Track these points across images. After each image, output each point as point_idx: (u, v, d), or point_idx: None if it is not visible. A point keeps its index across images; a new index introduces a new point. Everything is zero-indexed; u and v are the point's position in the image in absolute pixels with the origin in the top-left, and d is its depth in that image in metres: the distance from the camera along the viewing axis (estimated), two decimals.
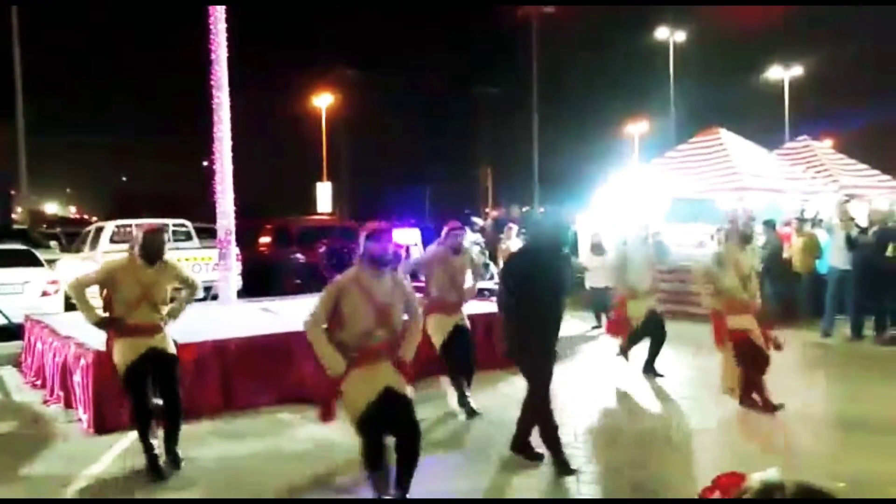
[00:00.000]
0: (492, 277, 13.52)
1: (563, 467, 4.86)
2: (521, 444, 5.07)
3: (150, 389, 5.00)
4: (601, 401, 6.85)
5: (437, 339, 6.30)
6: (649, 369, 7.79)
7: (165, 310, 5.13)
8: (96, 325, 5.02)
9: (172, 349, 5.18)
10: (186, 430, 5.50)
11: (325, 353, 4.06)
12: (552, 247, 5.05)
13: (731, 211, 7.06)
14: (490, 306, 9.72)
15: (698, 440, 5.64)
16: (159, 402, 5.04)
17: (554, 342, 4.99)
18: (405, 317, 4.33)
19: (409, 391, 4.15)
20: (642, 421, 6.24)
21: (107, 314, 5.03)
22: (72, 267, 13.19)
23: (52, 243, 17.98)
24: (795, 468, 4.91)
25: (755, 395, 6.14)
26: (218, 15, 10.27)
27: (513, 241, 13.01)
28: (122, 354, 4.94)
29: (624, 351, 7.95)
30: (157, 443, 4.98)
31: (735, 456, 5.20)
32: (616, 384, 7.47)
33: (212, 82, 10.38)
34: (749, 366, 6.09)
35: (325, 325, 4.12)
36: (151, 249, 5.01)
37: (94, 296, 5.08)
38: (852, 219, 10.59)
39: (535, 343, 4.89)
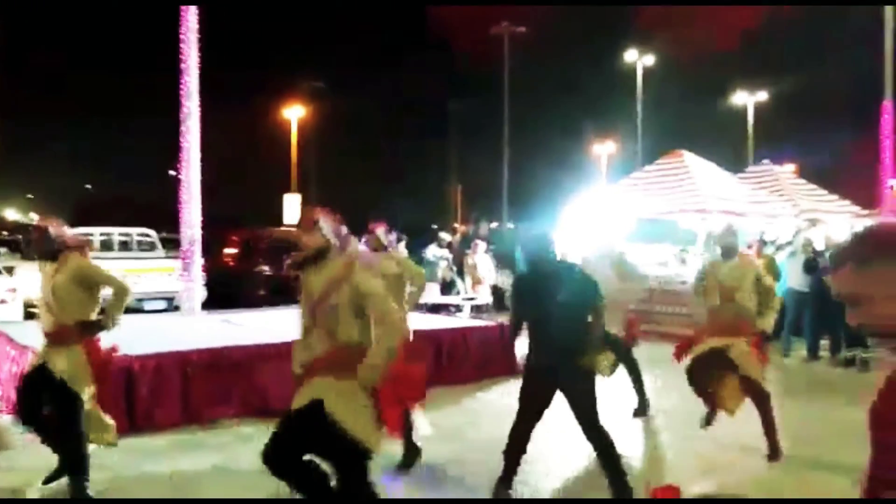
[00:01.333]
0: (458, 293, 13.59)
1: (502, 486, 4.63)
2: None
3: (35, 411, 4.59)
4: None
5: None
6: (643, 411, 7.14)
7: (70, 318, 4.52)
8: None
9: (66, 368, 4.45)
10: (145, 442, 5.44)
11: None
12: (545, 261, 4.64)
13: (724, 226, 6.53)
14: (456, 322, 9.78)
15: (667, 458, 5.71)
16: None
17: (548, 361, 4.52)
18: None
19: (346, 418, 3.30)
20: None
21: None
22: (31, 275, 12.94)
23: (2, 250, 17.57)
24: (743, 484, 5.01)
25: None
26: (190, 24, 10.25)
27: (480, 258, 13.11)
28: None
29: None
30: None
31: (675, 471, 5.28)
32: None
33: (181, 91, 10.33)
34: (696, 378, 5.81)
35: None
36: (36, 247, 4.64)
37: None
38: (811, 243, 10.87)
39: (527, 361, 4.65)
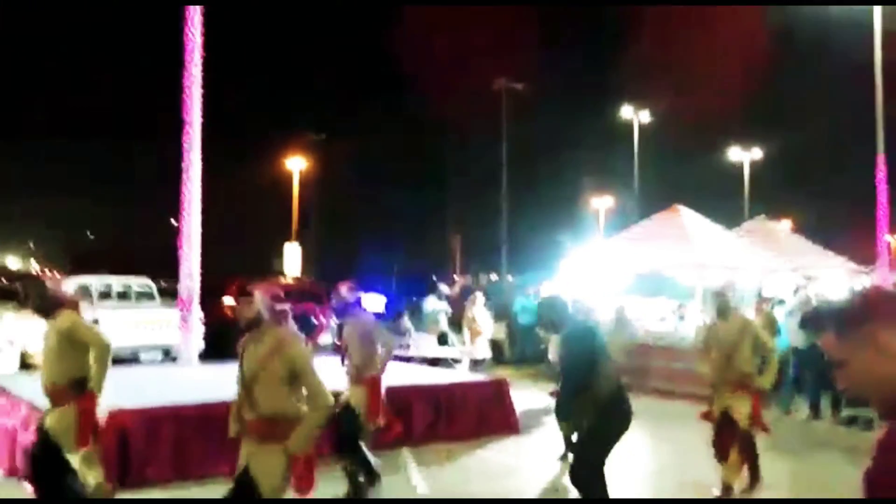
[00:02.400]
0: (453, 346, 13.52)
1: None
2: None
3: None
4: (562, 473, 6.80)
5: None
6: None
7: (65, 374, 4.51)
8: None
9: (52, 425, 4.47)
10: (137, 498, 5.35)
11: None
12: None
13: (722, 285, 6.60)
14: (454, 376, 9.71)
15: None
16: None
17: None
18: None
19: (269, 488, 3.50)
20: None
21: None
22: (29, 325, 12.88)
23: None
24: None
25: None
26: (193, 78, 10.43)
27: (478, 310, 13.07)
28: None
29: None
30: None
31: None
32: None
33: (184, 143, 10.46)
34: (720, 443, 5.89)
35: None
36: (37, 304, 4.71)
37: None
38: (810, 300, 10.86)
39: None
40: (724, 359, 5.71)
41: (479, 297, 13.71)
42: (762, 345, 5.67)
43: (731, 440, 5.73)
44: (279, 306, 3.78)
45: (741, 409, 5.61)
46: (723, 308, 5.87)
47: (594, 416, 4.84)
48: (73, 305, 4.71)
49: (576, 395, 4.97)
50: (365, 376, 5.69)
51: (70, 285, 13.51)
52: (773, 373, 5.70)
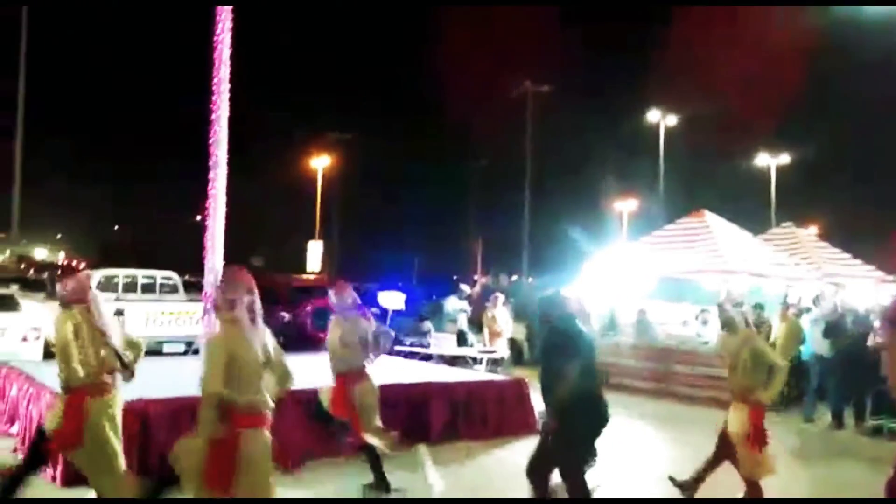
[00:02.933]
0: (471, 345, 13.52)
1: None
2: None
3: None
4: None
5: None
6: None
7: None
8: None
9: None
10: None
11: None
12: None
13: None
14: (473, 375, 9.71)
15: None
16: None
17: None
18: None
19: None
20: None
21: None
22: (53, 313, 13.08)
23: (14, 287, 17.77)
24: None
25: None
26: (221, 75, 10.51)
27: (498, 310, 13.06)
28: None
29: None
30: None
31: None
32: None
33: (210, 140, 10.55)
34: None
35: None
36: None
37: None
38: (836, 308, 10.70)
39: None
40: (730, 370, 5.74)
41: (500, 297, 13.69)
42: (763, 358, 5.60)
43: (728, 450, 5.72)
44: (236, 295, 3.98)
45: (734, 422, 5.64)
46: (726, 321, 5.86)
47: (557, 415, 4.92)
48: (80, 302, 4.76)
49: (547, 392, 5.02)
50: (336, 373, 5.93)
51: (96, 277, 13.76)
52: (775, 387, 5.59)
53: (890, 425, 9.33)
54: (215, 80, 10.50)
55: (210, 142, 10.51)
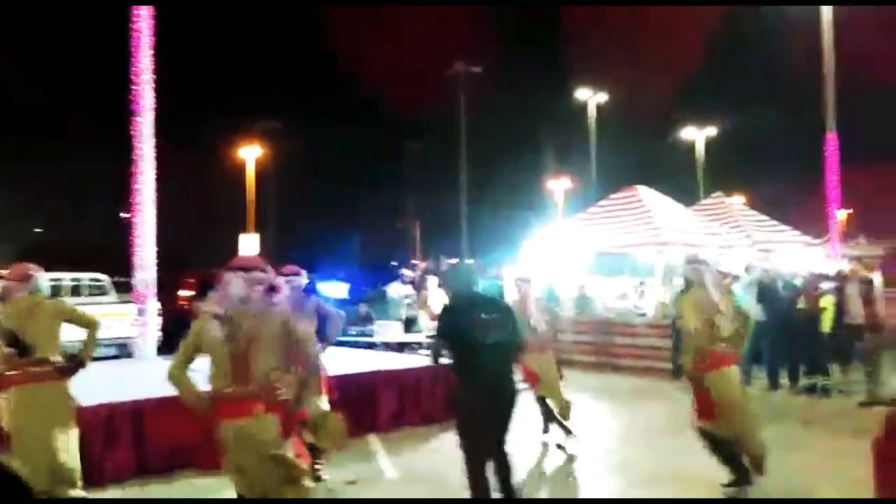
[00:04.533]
0: (419, 330, 13.46)
1: None
2: None
3: None
4: (546, 456, 6.81)
5: None
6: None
7: None
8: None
9: None
10: (95, 496, 5.19)
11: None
12: (473, 299, 4.93)
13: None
14: (421, 361, 9.66)
15: (632, 482, 5.65)
16: None
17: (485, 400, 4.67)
18: None
19: None
20: (574, 477, 6.23)
21: None
22: None
23: None
24: None
25: None
26: (143, 65, 10.13)
27: (432, 293, 13.03)
28: None
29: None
30: None
31: None
32: (548, 444, 7.46)
33: (134, 133, 10.16)
34: None
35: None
36: None
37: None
38: (769, 272, 11.04)
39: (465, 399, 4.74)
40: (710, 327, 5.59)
41: (432, 279, 13.68)
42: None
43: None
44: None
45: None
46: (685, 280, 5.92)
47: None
48: None
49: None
50: None
51: None
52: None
53: (822, 384, 9.72)
54: (136, 70, 10.12)
55: (134, 135, 10.14)
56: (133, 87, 10.11)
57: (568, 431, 7.08)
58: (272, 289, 4.05)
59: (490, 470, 4.67)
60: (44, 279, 4.88)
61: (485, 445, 4.68)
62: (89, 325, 4.95)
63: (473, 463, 4.62)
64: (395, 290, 14.24)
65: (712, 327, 5.50)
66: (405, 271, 15.19)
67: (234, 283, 3.87)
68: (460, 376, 4.77)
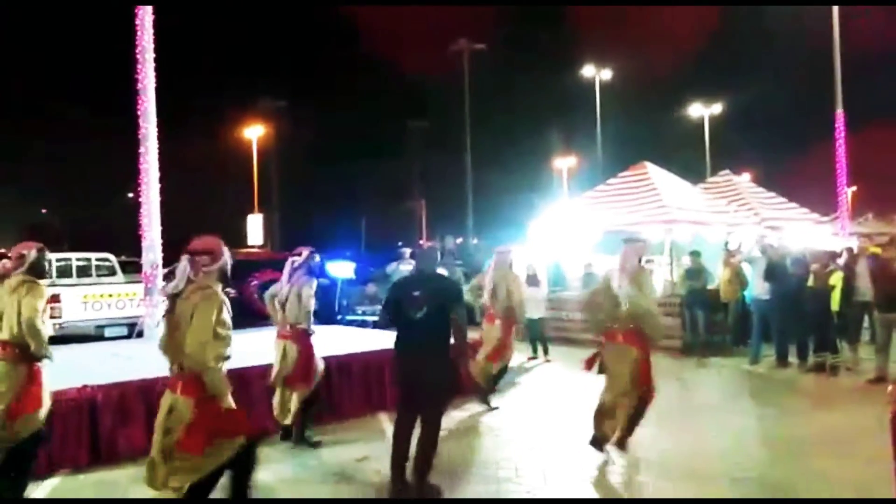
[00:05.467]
0: None
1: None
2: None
3: None
4: (539, 433, 6.81)
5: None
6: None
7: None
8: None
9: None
10: (109, 475, 5.22)
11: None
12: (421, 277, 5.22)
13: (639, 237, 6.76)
14: None
15: (645, 466, 5.65)
16: None
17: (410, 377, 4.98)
18: None
19: None
20: (581, 453, 6.23)
21: None
22: None
23: None
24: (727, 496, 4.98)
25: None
26: (145, 44, 10.04)
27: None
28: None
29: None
30: None
31: (673, 481, 5.25)
32: (554, 415, 7.46)
33: (138, 112, 10.11)
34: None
35: None
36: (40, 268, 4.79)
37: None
38: (776, 250, 10.95)
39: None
40: None
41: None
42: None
43: None
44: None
45: None
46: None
47: None
48: None
49: None
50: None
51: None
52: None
53: (832, 361, 9.68)
54: (139, 49, 10.04)
55: (138, 114, 10.08)
56: (136, 65, 10.03)
57: (487, 404, 7.68)
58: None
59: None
60: (35, 257, 4.73)
61: (405, 416, 4.98)
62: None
63: (394, 431, 4.99)
64: (391, 269, 14.22)
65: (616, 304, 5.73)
66: (406, 250, 15.13)
67: (180, 266, 3.95)
68: (394, 347, 5.12)
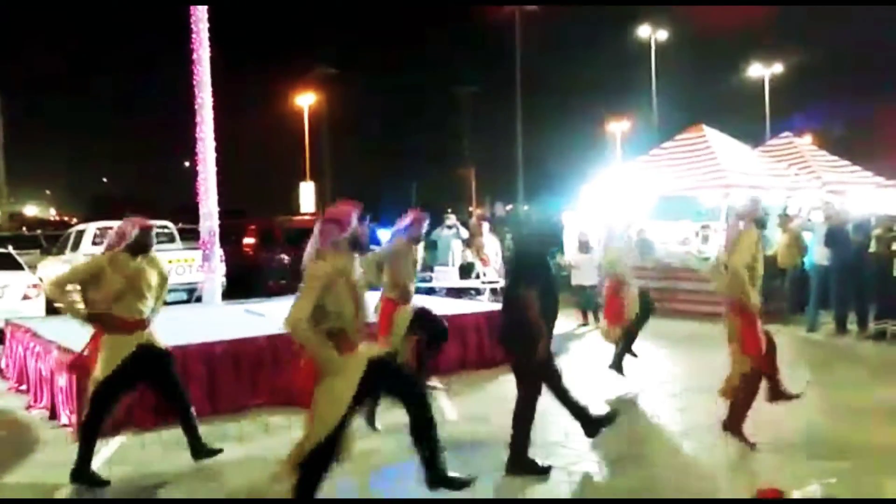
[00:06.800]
0: (478, 276, 13.52)
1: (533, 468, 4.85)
2: (521, 462, 4.87)
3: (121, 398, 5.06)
4: (590, 399, 6.82)
5: (401, 331, 6.13)
6: (619, 361, 7.62)
7: (151, 304, 5.08)
8: (85, 320, 4.90)
9: (161, 343, 5.15)
10: (172, 435, 5.45)
11: (321, 350, 3.74)
12: (543, 244, 5.15)
13: (751, 198, 6.35)
14: (479, 306, 9.73)
15: (692, 439, 5.63)
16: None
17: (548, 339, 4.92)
18: None
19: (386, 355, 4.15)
20: (633, 420, 6.23)
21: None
22: (53, 270, 13.00)
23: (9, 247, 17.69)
24: (782, 466, 4.93)
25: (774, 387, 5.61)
26: (199, 14, 10.19)
27: (486, 238, 13.04)
28: (109, 353, 4.84)
29: (617, 361, 7.63)
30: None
31: (729, 456, 5.21)
32: (604, 382, 7.46)
33: (194, 82, 10.30)
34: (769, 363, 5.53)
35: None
36: (144, 244, 5.03)
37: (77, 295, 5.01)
38: (837, 214, 10.61)
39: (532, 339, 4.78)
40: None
41: (485, 225, 13.65)
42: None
43: None
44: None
45: None
46: (763, 219, 5.67)
47: None
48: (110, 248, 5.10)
49: None
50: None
51: (90, 230, 13.63)
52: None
53: (893, 329, 9.41)
54: (193, 20, 10.19)
55: (194, 84, 10.27)
56: (191, 36, 10.20)
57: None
58: None
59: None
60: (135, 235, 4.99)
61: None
62: None
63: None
64: (436, 234, 14.28)
65: None
66: (450, 216, 15.14)
67: (313, 234, 3.96)
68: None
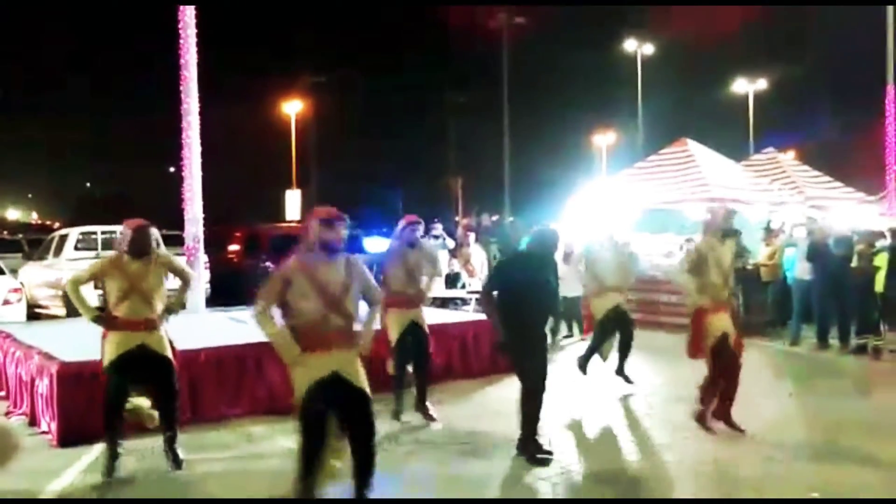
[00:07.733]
0: (463, 286, 13.52)
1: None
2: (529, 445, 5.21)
3: (129, 391, 5.08)
4: (573, 410, 6.84)
5: (394, 335, 6.19)
6: (621, 373, 7.78)
7: (160, 306, 5.10)
8: (92, 320, 5.02)
9: (166, 350, 5.11)
10: (152, 442, 5.39)
11: (275, 338, 3.95)
12: (543, 256, 5.49)
13: (710, 206, 6.78)
14: (464, 316, 9.73)
15: (674, 450, 5.65)
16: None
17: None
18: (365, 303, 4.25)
19: (365, 386, 4.00)
20: (615, 431, 6.25)
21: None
22: (35, 275, 12.88)
23: None
24: (767, 481, 4.96)
25: (714, 418, 5.97)
26: (187, 19, 10.17)
27: (472, 248, 13.05)
28: (109, 348, 4.96)
29: (582, 363, 7.87)
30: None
31: (711, 465, 5.23)
32: (588, 393, 7.48)
33: (181, 87, 10.26)
34: (723, 374, 5.93)
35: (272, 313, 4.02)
36: (140, 244, 5.07)
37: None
38: (820, 230, 10.72)
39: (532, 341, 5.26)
40: (723, 279, 5.95)
41: (471, 235, 13.68)
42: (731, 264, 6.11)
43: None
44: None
45: (732, 329, 6.00)
46: (728, 228, 6.02)
47: None
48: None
49: None
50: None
51: (73, 235, 13.50)
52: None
53: (874, 344, 9.50)
54: (181, 25, 10.17)
55: (180, 89, 10.23)
56: (178, 41, 10.18)
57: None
58: None
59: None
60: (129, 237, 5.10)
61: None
62: None
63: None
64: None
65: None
66: (436, 226, 15.15)
67: None
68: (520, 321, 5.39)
